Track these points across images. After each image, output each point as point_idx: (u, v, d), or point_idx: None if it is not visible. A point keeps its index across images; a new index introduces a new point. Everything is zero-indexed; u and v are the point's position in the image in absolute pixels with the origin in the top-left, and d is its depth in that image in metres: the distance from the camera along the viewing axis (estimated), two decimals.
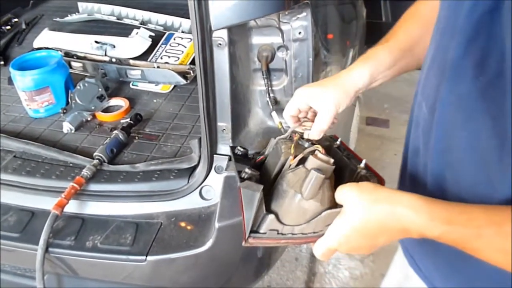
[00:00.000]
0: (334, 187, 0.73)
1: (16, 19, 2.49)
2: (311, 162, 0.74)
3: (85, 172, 1.36)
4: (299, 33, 1.15)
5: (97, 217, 1.34)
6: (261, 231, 0.74)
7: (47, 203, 1.31)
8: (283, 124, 1.07)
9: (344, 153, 0.91)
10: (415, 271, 0.85)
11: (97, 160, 1.41)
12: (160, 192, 1.35)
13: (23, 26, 2.41)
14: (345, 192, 0.68)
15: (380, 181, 0.77)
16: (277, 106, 1.26)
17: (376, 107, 3.24)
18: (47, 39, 2.16)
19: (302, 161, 0.78)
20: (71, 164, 1.46)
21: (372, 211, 0.64)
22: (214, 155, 1.28)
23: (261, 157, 0.94)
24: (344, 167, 0.86)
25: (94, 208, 1.36)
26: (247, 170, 0.80)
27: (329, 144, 0.97)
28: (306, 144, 0.85)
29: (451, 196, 0.68)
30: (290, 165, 0.78)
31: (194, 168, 1.35)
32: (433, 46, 0.67)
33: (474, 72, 0.57)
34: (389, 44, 0.86)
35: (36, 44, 2.15)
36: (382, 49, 0.86)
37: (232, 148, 1.03)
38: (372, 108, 3.26)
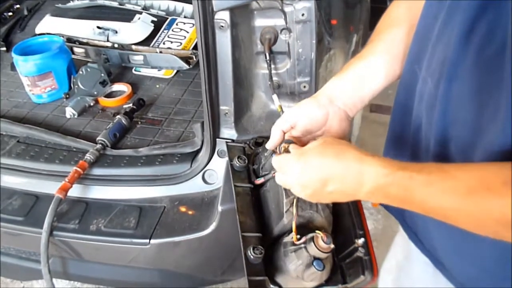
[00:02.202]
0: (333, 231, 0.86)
1: (18, 5, 2.47)
2: (313, 249, 0.82)
3: (88, 156, 1.36)
4: (302, 14, 1.14)
5: (100, 201, 1.35)
6: None
7: (51, 187, 1.32)
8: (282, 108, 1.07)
9: None
10: (417, 246, 0.86)
11: (100, 145, 1.41)
12: (163, 176, 1.35)
13: (25, 12, 2.40)
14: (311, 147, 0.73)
15: (374, 273, 0.82)
16: (280, 89, 1.25)
17: (380, 93, 3.21)
18: (49, 25, 2.14)
19: (307, 223, 0.88)
20: (74, 149, 1.46)
21: (335, 143, 0.71)
22: (217, 139, 1.27)
23: (261, 180, 1.01)
24: (343, 223, 0.92)
25: (98, 192, 1.36)
26: (252, 252, 0.86)
27: None
28: None
29: None
30: (292, 237, 0.85)
31: (197, 152, 1.35)
32: (439, 21, 0.67)
33: (480, 45, 0.57)
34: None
35: (38, 30, 2.14)
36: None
37: (231, 159, 1.08)
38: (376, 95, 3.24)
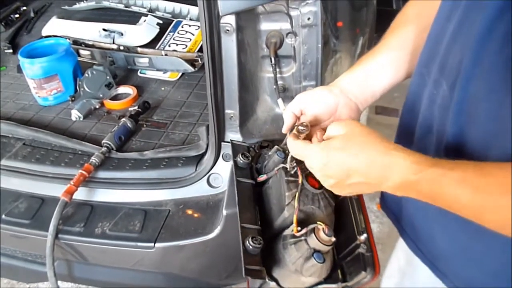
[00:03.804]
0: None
1: (24, 7, 2.49)
2: (313, 241, 0.79)
3: (94, 159, 1.36)
4: (308, 19, 1.13)
5: (106, 204, 1.35)
6: None
7: (56, 190, 1.32)
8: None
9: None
10: (416, 254, 0.85)
11: (106, 148, 1.42)
12: (168, 180, 1.35)
13: (32, 14, 2.41)
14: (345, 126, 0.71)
15: (376, 270, 0.79)
16: (285, 93, 1.25)
17: (386, 96, 3.18)
18: (56, 27, 2.16)
19: (308, 218, 0.85)
20: (79, 152, 1.47)
21: (360, 134, 0.68)
22: (222, 143, 1.27)
23: (264, 176, 1.00)
24: (346, 219, 0.90)
25: (103, 195, 1.36)
26: (251, 242, 0.84)
27: None
28: (308, 187, 0.88)
29: None
30: (292, 230, 0.83)
31: (202, 156, 1.35)
32: (454, 22, 0.66)
33: (500, 45, 0.57)
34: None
35: (45, 32, 2.15)
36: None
37: (235, 155, 1.07)
38: (381, 97, 3.22)
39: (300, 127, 0.78)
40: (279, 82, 1.22)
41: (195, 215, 1.30)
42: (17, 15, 2.42)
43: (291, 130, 0.83)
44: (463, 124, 0.65)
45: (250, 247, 0.83)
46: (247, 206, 0.95)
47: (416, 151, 0.76)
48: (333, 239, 0.79)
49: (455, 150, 0.68)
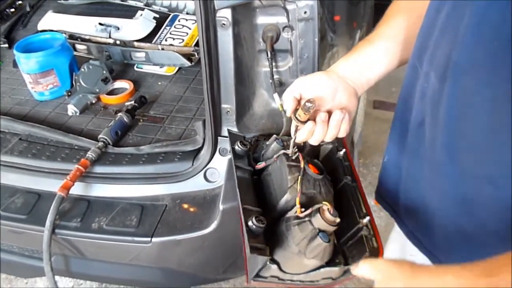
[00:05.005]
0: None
1: (20, 2, 2.46)
2: (318, 221, 0.77)
3: (90, 154, 1.36)
4: (305, 12, 1.13)
5: (102, 199, 1.35)
6: (263, 275, 0.80)
7: (53, 185, 1.32)
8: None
9: (347, 175, 0.93)
10: (414, 243, 0.85)
11: (102, 143, 1.41)
12: (165, 175, 1.35)
13: (27, 9, 2.39)
14: (381, 266, 0.66)
15: (379, 248, 0.77)
16: (282, 88, 1.24)
17: (384, 90, 3.20)
18: (52, 21, 2.14)
19: (309, 203, 0.82)
20: (76, 147, 1.46)
21: (416, 279, 0.62)
22: (219, 137, 1.27)
23: (263, 164, 0.98)
24: (347, 204, 0.88)
25: (100, 190, 1.36)
26: (254, 221, 0.81)
27: (331, 148, 0.99)
28: (310, 172, 0.87)
29: (462, 165, 0.68)
30: (297, 212, 0.81)
31: (198, 151, 1.35)
32: (443, 15, 0.66)
33: (490, 37, 0.57)
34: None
35: (41, 26, 2.14)
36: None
37: (233, 143, 1.04)
38: (379, 92, 3.22)
39: (307, 104, 0.77)
40: (276, 77, 1.22)
41: (192, 209, 1.30)
42: (12, 9, 2.40)
43: (294, 112, 0.82)
44: (456, 118, 0.65)
45: (254, 226, 0.80)
46: (246, 190, 0.93)
47: (410, 143, 0.76)
48: (338, 219, 0.77)
49: (450, 143, 0.68)
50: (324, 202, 0.79)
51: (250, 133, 1.24)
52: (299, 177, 0.85)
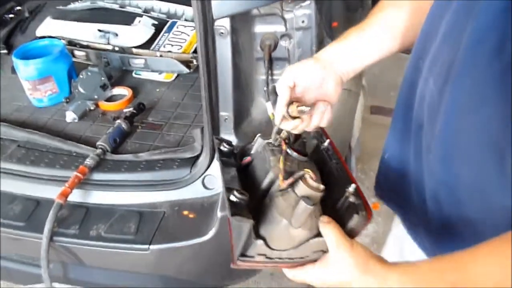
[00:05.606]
0: (322, 201, 0.76)
1: (19, 7, 2.47)
2: (301, 188, 0.75)
3: (89, 161, 1.36)
4: (303, 21, 1.14)
5: (100, 206, 1.35)
6: (249, 254, 0.77)
7: (51, 192, 1.32)
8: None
9: (332, 160, 0.91)
10: (418, 244, 0.86)
11: (100, 150, 1.42)
12: (163, 181, 1.35)
13: (26, 15, 2.40)
14: (341, 253, 0.70)
15: (368, 213, 0.76)
16: (277, 96, 1.25)
17: (381, 95, 3.21)
18: (50, 27, 2.15)
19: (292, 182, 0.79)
20: (74, 154, 1.46)
21: (362, 279, 0.68)
22: None
23: (248, 158, 0.96)
24: (333, 183, 0.85)
25: (98, 197, 1.36)
26: (236, 194, 0.78)
27: (316, 143, 0.97)
28: (294, 154, 0.85)
29: (456, 177, 0.68)
30: (280, 185, 0.79)
31: (196, 158, 1.35)
32: (446, 21, 0.66)
33: (491, 57, 0.57)
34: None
35: (39, 32, 2.14)
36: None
37: (218, 144, 1.02)
38: (377, 97, 3.22)
39: (304, 108, 0.78)
40: (274, 84, 1.22)
41: (190, 216, 1.30)
42: (11, 15, 2.40)
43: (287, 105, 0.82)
44: (452, 133, 0.66)
45: (236, 199, 0.77)
46: (232, 180, 0.88)
47: (413, 141, 0.76)
48: (322, 186, 0.76)
49: (443, 158, 0.68)
50: (306, 170, 0.78)
51: (248, 140, 1.25)
52: (281, 156, 0.83)
